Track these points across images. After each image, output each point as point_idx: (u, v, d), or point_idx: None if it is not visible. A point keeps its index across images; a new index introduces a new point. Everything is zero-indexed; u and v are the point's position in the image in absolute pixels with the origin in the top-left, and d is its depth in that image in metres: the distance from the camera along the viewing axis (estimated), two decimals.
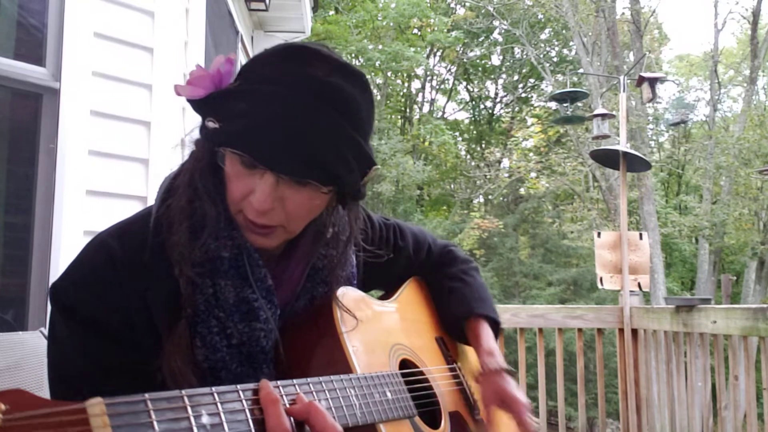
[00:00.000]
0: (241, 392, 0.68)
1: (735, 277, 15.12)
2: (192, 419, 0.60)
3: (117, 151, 2.39)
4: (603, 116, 6.26)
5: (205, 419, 0.62)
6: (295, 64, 0.81)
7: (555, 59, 18.51)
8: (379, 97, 18.12)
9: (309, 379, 0.77)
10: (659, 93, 15.05)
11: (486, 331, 1.16)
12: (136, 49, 2.48)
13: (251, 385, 0.70)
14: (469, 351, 1.24)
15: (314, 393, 0.76)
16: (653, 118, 17.21)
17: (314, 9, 6.20)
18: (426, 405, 1.02)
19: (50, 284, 0.86)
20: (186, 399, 0.61)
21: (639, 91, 6.33)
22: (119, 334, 0.83)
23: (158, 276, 0.84)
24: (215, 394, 0.64)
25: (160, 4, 2.57)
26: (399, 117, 19.58)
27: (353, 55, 16.73)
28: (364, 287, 1.08)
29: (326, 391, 0.78)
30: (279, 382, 0.73)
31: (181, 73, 2.67)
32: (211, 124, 0.81)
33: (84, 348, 0.82)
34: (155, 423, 0.57)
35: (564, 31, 16.83)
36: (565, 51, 18.53)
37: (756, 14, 14.41)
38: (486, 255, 15.29)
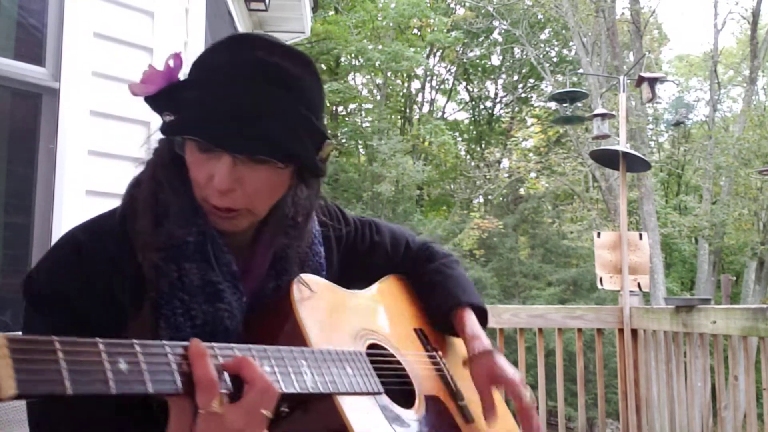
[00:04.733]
0: (168, 347, 0.67)
1: (735, 278, 15.11)
2: (106, 363, 0.59)
3: (117, 151, 2.39)
4: (603, 116, 6.26)
5: (122, 365, 0.60)
6: (241, 49, 0.86)
7: (555, 59, 18.51)
8: (378, 97, 18.11)
9: (252, 346, 0.77)
10: (659, 93, 15.05)
11: (471, 319, 1.18)
12: (135, 49, 2.48)
13: (181, 343, 0.69)
14: (455, 342, 1.24)
15: (258, 359, 0.75)
16: (653, 118, 17.20)
17: (314, 9, 6.21)
18: (398, 386, 1.01)
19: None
20: (101, 345, 0.60)
21: (639, 91, 6.33)
22: (87, 316, 0.85)
23: (123, 263, 0.87)
24: (136, 345, 0.63)
25: (160, 4, 2.57)
26: (399, 117, 19.56)
27: (353, 55, 16.72)
28: (343, 285, 1.08)
29: (272, 359, 0.77)
30: (214, 344, 0.73)
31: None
32: (167, 117, 0.85)
33: (53, 331, 0.83)
34: (61, 361, 0.56)
35: (564, 31, 16.81)
36: (565, 51, 18.52)
37: (756, 14, 14.41)
38: (486, 255, 15.29)
